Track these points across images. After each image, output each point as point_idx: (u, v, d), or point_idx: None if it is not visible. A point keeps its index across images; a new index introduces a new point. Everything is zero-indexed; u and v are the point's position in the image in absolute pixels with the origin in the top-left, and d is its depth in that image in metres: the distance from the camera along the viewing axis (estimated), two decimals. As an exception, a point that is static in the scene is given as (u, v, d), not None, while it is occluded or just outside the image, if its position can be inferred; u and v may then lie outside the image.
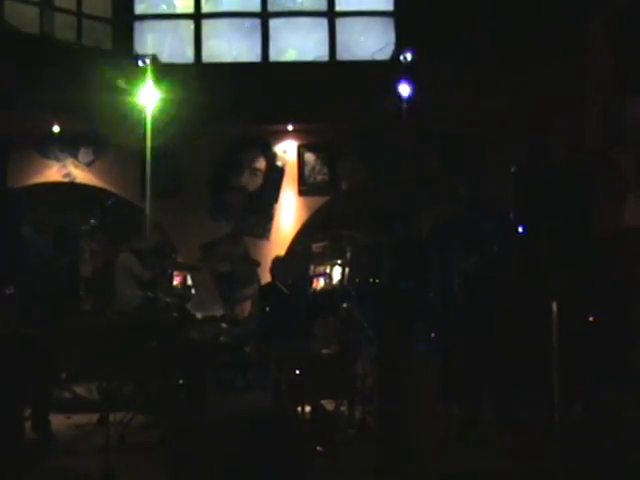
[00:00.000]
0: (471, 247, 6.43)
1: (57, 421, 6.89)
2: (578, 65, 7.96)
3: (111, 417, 5.44)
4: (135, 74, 8.01)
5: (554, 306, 4.89)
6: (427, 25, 8.63)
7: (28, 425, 6.24)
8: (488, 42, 8.29)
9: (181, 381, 6.94)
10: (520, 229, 4.93)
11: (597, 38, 6.95)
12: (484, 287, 5.96)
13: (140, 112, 8.11)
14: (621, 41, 6.52)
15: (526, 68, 8.00)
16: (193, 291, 9.76)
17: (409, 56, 7.98)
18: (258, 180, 9.75)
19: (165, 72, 8.17)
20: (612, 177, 7.48)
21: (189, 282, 10.39)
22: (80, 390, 8.08)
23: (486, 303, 5.96)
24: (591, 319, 6.02)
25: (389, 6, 9.37)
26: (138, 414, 6.79)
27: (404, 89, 7.99)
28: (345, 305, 7.33)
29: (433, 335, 6.79)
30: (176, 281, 8.33)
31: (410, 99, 8.03)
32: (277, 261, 8.02)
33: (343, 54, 9.29)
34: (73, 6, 8.85)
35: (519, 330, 6.14)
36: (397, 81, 8.00)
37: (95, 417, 6.94)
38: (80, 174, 9.54)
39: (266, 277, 8.75)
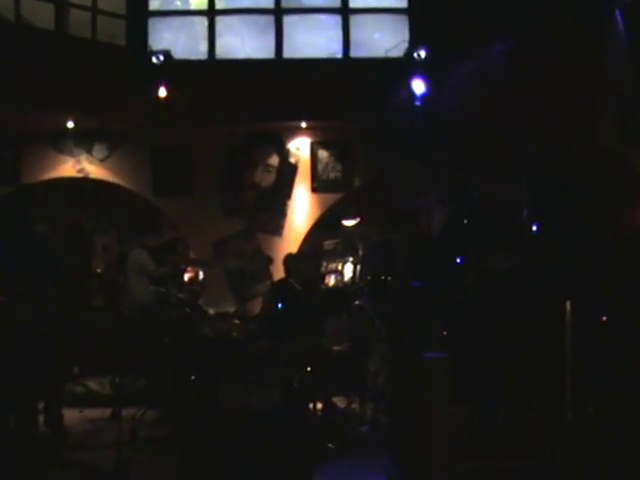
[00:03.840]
0: (488, 246, 6.41)
1: (70, 415, 6.93)
2: (593, 64, 7.92)
3: (123, 412, 5.46)
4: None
5: (567, 306, 4.88)
6: (441, 22, 8.60)
7: (41, 419, 6.29)
8: (502, 39, 8.25)
9: (193, 377, 6.98)
10: (534, 228, 4.93)
11: (612, 37, 6.91)
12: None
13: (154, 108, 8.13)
14: (637, 40, 6.48)
15: (541, 66, 7.96)
16: (205, 287, 9.81)
17: (423, 53, 7.97)
18: (271, 177, 9.76)
19: (179, 68, 8.19)
20: (627, 177, 7.44)
21: (201, 278, 10.43)
22: (93, 385, 8.12)
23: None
24: (604, 319, 5.99)
25: (403, 3, 9.35)
26: (150, 409, 6.83)
27: (418, 86, 7.98)
28: (357, 302, 7.34)
29: (445, 333, 6.77)
30: (188, 277, 8.33)
31: (423, 96, 8.02)
32: (290, 258, 8.03)
33: (357, 51, 9.27)
34: (88, 2, 8.88)
35: (534, 329, 6.11)
36: (411, 78, 7.99)
37: (107, 412, 6.99)
38: (94, 170, 9.57)
39: (279, 273, 8.77)
